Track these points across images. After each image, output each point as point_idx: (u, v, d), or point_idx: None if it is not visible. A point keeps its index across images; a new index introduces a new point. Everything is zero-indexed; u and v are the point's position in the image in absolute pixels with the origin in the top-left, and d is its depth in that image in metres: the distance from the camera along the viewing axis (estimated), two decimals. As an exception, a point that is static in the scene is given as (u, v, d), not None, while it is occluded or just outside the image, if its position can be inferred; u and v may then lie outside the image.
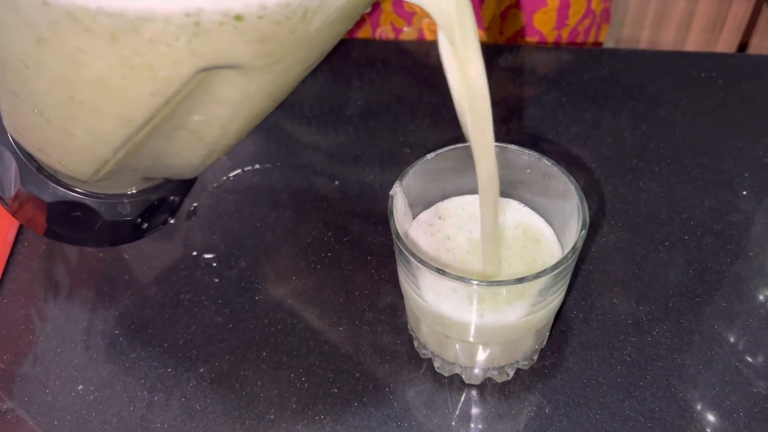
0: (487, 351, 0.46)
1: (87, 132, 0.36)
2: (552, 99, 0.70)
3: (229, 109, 0.34)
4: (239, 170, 0.65)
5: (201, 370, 0.51)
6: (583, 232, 0.41)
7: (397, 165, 0.65)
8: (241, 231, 0.60)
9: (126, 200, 0.47)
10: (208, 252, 0.58)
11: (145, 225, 0.51)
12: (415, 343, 0.51)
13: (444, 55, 0.36)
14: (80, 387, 0.50)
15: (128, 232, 0.51)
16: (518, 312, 0.41)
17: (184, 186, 0.54)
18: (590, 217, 0.44)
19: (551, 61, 0.75)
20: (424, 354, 0.50)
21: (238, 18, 0.27)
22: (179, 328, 0.53)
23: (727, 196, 0.60)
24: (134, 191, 0.48)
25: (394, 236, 0.42)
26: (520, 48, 0.78)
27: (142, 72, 0.29)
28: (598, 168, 0.63)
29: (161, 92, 0.30)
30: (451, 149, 0.47)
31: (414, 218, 0.47)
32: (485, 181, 0.40)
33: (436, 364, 0.49)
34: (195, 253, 0.58)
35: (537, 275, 0.39)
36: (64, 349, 0.52)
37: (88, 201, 0.47)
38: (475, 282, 0.38)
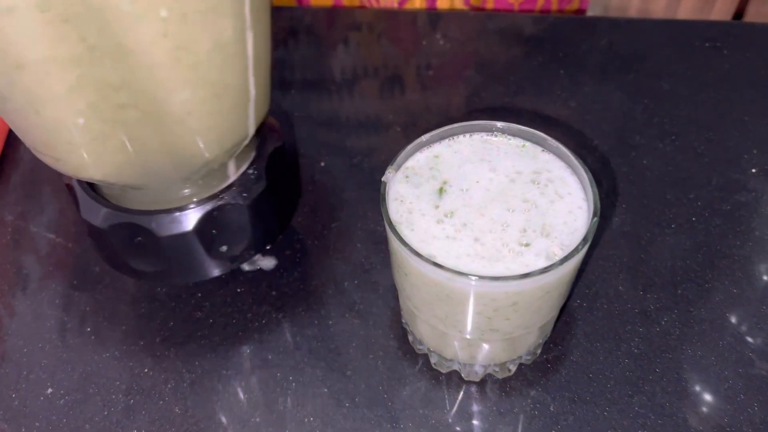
0: (488, 347, 0.42)
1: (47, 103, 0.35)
2: (549, 72, 0.66)
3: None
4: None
5: (181, 370, 0.47)
6: (595, 219, 0.38)
7: (386, 144, 0.61)
8: (221, 218, 0.56)
9: (177, 213, 0.44)
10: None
11: (224, 248, 0.48)
12: (410, 338, 0.47)
13: None
14: (50, 390, 0.46)
15: (205, 257, 0.47)
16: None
17: (256, 196, 0.47)
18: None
19: (546, 31, 0.71)
20: (419, 349, 0.47)
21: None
22: (156, 324, 0.50)
23: (735, 174, 0.57)
24: (189, 205, 0.45)
25: (387, 225, 0.38)
26: (512, 17, 0.74)
27: None
28: (600, 146, 0.60)
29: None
30: (446, 130, 0.43)
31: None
32: None
33: (433, 360, 0.46)
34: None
35: (544, 270, 0.35)
36: (32, 349, 0.49)
37: (136, 219, 0.44)
38: (473, 278, 0.35)
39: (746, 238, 0.52)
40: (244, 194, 0.46)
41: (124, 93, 0.36)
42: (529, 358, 0.46)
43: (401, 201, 0.40)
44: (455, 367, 0.45)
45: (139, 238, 0.45)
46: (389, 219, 0.38)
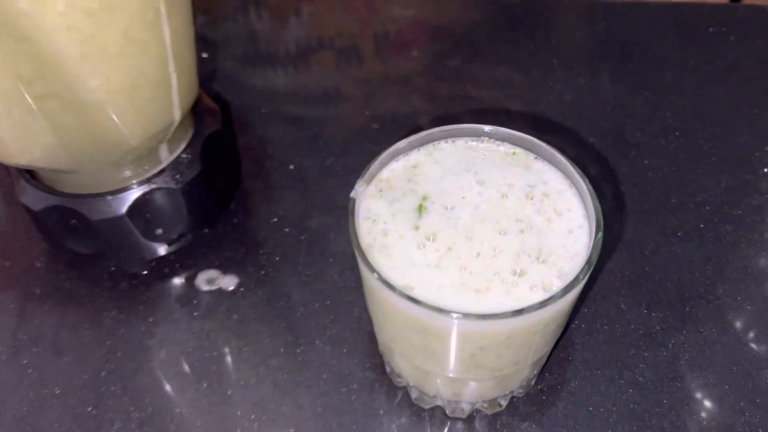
0: (475, 384, 0.37)
1: None
2: (541, 61, 0.61)
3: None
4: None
5: (128, 408, 0.41)
6: (600, 233, 0.32)
7: (361, 145, 0.55)
8: (178, 229, 0.50)
9: (110, 197, 0.44)
10: (137, 265, 0.48)
11: (160, 231, 0.47)
12: (388, 368, 0.42)
13: None
14: (-22, 435, 0.41)
15: (140, 240, 0.46)
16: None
17: (192, 179, 0.46)
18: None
19: (537, 16, 0.66)
20: (398, 382, 0.41)
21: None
22: (101, 353, 0.44)
23: (746, 175, 0.52)
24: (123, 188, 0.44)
25: (355, 250, 0.33)
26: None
27: None
28: (597, 143, 0.54)
29: None
30: (425, 135, 0.38)
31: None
32: None
33: (414, 395, 0.41)
34: (125, 267, 0.49)
35: (541, 304, 0.30)
36: (-41, 386, 0.43)
37: (69, 203, 0.44)
38: (456, 315, 0.30)
39: (760, 248, 0.47)
40: (177, 178, 0.46)
41: (39, 84, 0.36)
42: (521, 390, 0.41)
43: (374, 221, 0.35)
44: (439, 402, 0.40)
45: (74, 221, 0.45)
46: (358, 243, 0.33)
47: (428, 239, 0.33)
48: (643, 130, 0.55)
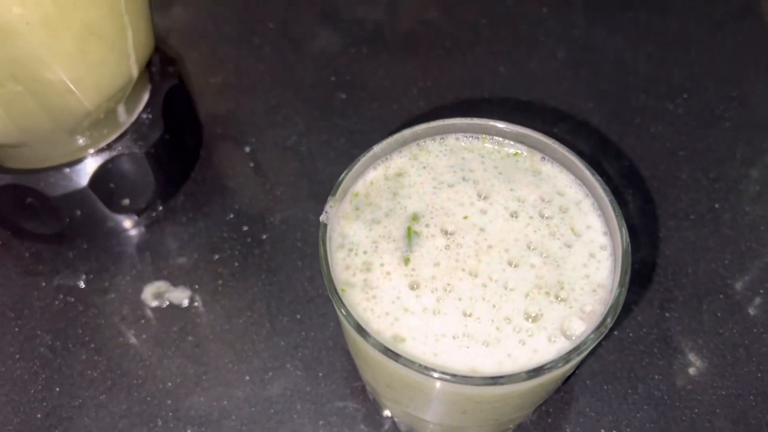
0: (474, 429, 0.32)
1: None
2: (529, 12, 0.53)
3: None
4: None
5: (70, 457, 0.35)
6: (627, 277, 0.26)
7: (328, 119, 0.48)
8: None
9: (68, 169, 0.40)
10: (71, 276, 0.41)
11: (126, 201, 0.43)
12: (371, 396, 0.36)
13: None
14: None
15: (106, 213, 0.42)
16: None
17: (147, 146, 0.42)
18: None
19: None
20: (384, 412, 0.36)
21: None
22: (37, 390, 0.37)
23: (764, 143, 0.46)
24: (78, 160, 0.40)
25: (327, 288, 0.26)
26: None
27: None
28: (596, 110, 0.47)
29: None
30: (407, 134, 0.31)
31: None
32: None
33: (403, 428, 0.35)
34: (58, 281, 0.41)
35: (563, 360, 0.24)
36: None
37: (22, 180, 0.39)
38: (460, 379, 0.24)
39: (782, 230, 0.42)
40: (140, 142, 0.41)
41: None
42: (528, 413, 0.36)
43: (351, 250, 0.28)
44: (432, 436, 0.35)
45: (30, 200, 0.40)
46: (332, 283, 0.26)
47: (423, 278, 0.27)
48: (647, 92, 0.48)
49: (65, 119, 0.37)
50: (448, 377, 0.24)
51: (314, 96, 0.49)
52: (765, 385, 0.37)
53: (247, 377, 0.38)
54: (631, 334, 0.39)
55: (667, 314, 0.39)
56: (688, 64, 0.50)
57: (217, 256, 0.42)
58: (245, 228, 0.43)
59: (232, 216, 0.43)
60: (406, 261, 0.27)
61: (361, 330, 0.25)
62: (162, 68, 0.44)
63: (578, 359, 0.25)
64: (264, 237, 0.42)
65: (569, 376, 0.37)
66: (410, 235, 0.28)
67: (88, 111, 0.37)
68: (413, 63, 0.50)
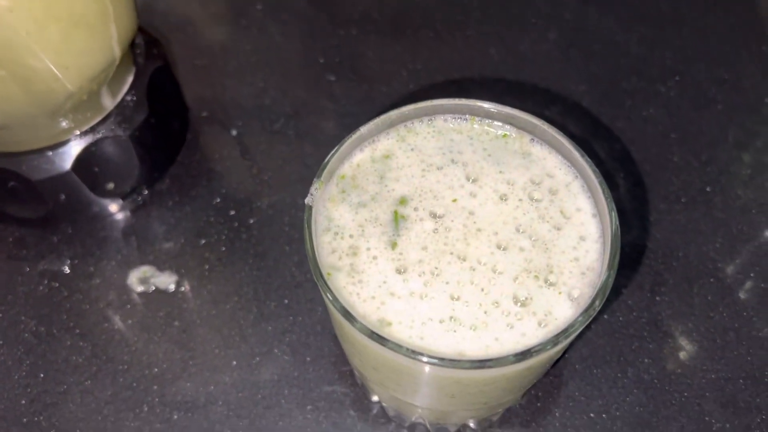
0: (462, 413, 0.32)
1: None
2: (519, -9, 0.52)
3: None
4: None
5: (55, 444, 0.35)
6: (614, 264, 0.26)
7: (316, 102, 0.47)
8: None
9: (50, 152, 0.39)
10: (56, 261, 0.41)
11: (111, 185, 0.42)
12: (359, 380, 0.36)
13: None
14: None
15: (91, 197, 0.41)
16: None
17: (131, 129, 0.41)
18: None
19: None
20: (372, 393, 0.36)
21: None
22: (21, 376, 0.37)
23: (756, 126, 0.46)
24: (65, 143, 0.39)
25: (313, 272, 0.26)
26: None
27: None
28: (587, 92, 0.47)
29: None
30: (395, 115, 0.30)
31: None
32: None
33: (390, 412, 0.35)
34: (42, 266, 0.41)
35: (550, 342, 0.24)
36: None
37: (4, 164, 0.38)
38: (446, 362, 0.24)
39: (773, 213, 0.42)
40: (124, 125, 0.41)
41: None
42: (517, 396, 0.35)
43: (337, 234, 0.28)
44: (419, 421, 0.35)
45: (13, 183, 0.40)
46: (317, 267, 0.26)
47: (410, 262, 0.27)
48: (639, 74, 0.48)
49: (47, 102, 0.36)
50: (434, 360, 0.23)
51: (302, 78, 0.48)
52: (754, 369, 0.37)
53: (234, 362, 0.37)
54: (621, 318, 0.39)
55: (657, 298, 0.39)
56: (680, 46, 0.49)
57: (203, 241, 0.41)
58: (232, 212, 0.42)
59: (218, 200, 0.43)
60: (393, 245, 0.27)
61: (347, 314, 0.24)
62: (147, 50, 0.43)
63: (566, 342, 0.25)
64: (251, 221, 0.42)
65: (558, 360, 0.37)
66: (397, 219, 0.28)
67: (70, 93, 0.36)
68: (403, 45, 0.50)
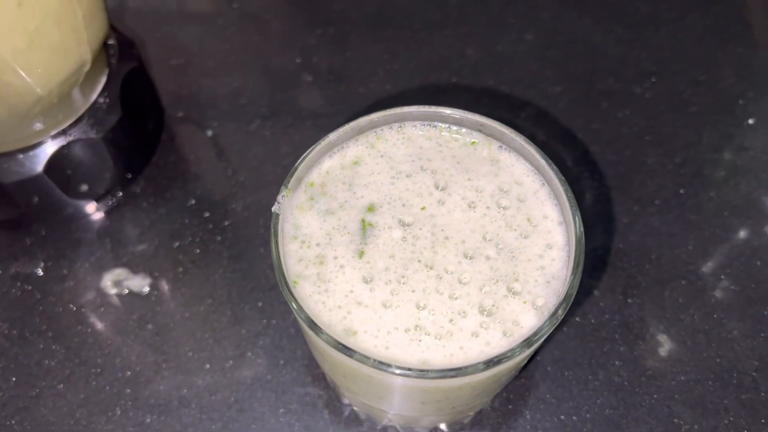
0: (432, 418, 0.32)
1: None
2: (498, -9, 0.52)
3: None
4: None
5: (26, 448, 0.35)
6: (578, 270, 0.26)
7: (293, 103, 0.47)
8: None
9: (21, 155, 0.39)
10: (28, 264, 0.41)
11: (85, 187, 0.41)
12: (331, 383, 0.36)
13: None
14: None
15: (64, 199, 0.41)
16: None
17: (104, 130, 0.41)
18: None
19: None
20: (345, 399, 0.36)
21: None
22: (-9, 380, 0.37)
23: (730, 128, 0.46)
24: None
25: (279, 282, 0.26)
26: None
27: None
28: (565, 93, 0.47)
29: None
30: (363, 122, 0.30)
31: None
32: None
33: (363, 416, 0.35)
34: (15, 268, 0.41)
35: (512, 352, 0.24)
36: None
37: None
38: (410, 372, 0.24)
39: (747, 216, 0.42)
40: (97, 127, 0.40)
41: None
42: (486, 401, 0.36)
43: (304, 242, 0.28)
44: (391, 424, 0.35)
45: None
46: (283, 276, 0.26)
47: (377, 270, 0.27)
48: (616, 75, 0.48)
49: (16, 106, 0.36)
50: (399, 371, 0.24)
51: (279, 78, 0.48)
52: (723, 370, 0.37)
53: (208, 365, 0.37)
54: (593, 321, 0.39)
55: (629, 300, 0.40)
56: (657, 47, 0.49)
57: (177, 243, 0.41)
58: (207, 214, 0.42)
59: (193, 202, 0.43)
60: (360, 254, 0.27)
61: (312, 324, 0.25)
62: (120, 51, 0.42)
63: (530, 351, 0.25)
64: (226, 223, 0.42)
65: (529, 362, 0.37)
66: (364, 227, 0.28)
67: (39, 96, 0.36)
68: (380, 45, 0.50)
